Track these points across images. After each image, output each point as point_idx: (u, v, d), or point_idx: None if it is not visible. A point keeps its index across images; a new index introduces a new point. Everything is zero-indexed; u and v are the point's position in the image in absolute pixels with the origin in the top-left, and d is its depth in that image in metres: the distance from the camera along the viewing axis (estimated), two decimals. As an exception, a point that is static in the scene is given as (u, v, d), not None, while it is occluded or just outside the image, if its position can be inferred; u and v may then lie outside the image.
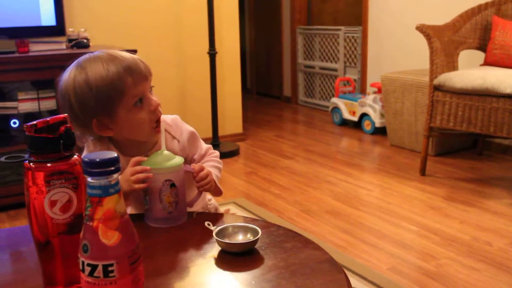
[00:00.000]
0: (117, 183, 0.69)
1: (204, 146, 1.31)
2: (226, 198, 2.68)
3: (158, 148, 1.14)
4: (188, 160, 1.24)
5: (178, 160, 1.09)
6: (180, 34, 3.56)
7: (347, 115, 4.22)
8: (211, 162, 1.27)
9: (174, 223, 1.08)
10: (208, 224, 1.04)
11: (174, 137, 1.22)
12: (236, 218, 1.20)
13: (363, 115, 4.05)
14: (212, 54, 3.41)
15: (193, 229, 1.09)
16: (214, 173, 1.22)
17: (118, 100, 1.06)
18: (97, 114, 1.08)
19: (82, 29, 2.90)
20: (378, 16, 4.28)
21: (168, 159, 1.09)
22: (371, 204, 2.57)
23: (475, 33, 3.17)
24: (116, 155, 0.69)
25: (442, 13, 3.42)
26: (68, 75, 1.09)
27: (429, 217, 2.40)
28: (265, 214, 2.42)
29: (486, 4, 3.17)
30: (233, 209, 2.49)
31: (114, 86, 1.05)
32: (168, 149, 1.12)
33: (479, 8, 3.17)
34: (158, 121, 1.13)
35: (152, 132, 1.12)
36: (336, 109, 4.36)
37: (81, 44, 2.84)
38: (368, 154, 3.53)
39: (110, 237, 0.67)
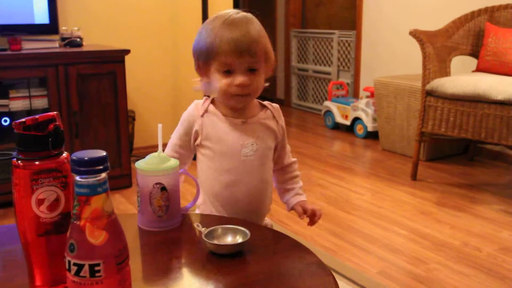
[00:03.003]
0: (105, 182, 0.68)
1: (288, 146, 1.37)
2: (217, 199, 2.67)
3: (248, 117, 1.21)
4: (277, 148, 1.29)
5: (172, 163, 1.08)
6: (175, 34, 3.56)
7: (339, 119, 4.23)
8: (298, 184, 1.37)
9: (164, 227, 1.07)
10: (198, 225, 1.03)
11: (274, 117, 1.27)
12: (226, 220, 1.19)
13: (356, 119, 4.06)
14: (206, 55, 3.41)
15: (183, 230, 1.09)
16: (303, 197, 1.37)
17: (211, 60, 1.17)
18: (199, 59, 1.21)
19: (76, 28, 2.89)
20: (372, 21, 4.29)
21: (162, 162, 1.08)
22: (362, 208, 2.57)
23: (467, 39, 3.18)
24: (105, 154, 0.69)
25: (436, 19, 3.43)
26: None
27: (420, 221, 2.40)
28: (255, 216, 2.42)
29: (479, 10, 3.19)
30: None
31: (214, 47, 1.15)
32: (266, 126, 1.23)
33: (472, 15, 3.18)
34: (237, 95, 1.17)
35: (230, 101, 1.18)
36: (328, 112, 4.36)
37: (74, 43, 2.83)
38: (360, 158, 3.53)
39: (97, 237, 0.67)
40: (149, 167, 1.06)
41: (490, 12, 3.18)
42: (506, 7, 3.14)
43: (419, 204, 2.62)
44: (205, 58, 1.18)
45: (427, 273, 1.92)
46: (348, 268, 1.94)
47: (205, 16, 3.34)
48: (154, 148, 3.44)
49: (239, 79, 1.14)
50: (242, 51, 1.13)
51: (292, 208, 1.34)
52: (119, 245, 0.69)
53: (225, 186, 1.20)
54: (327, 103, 4.38)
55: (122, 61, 2.78)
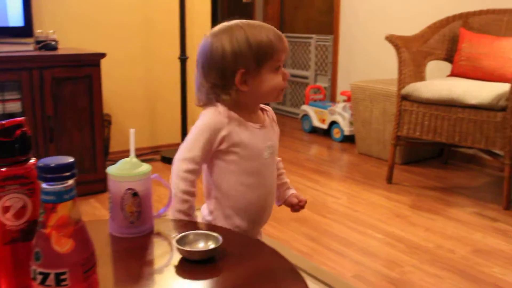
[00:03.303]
0: (72, 189, 0.68)
1: None
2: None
3: (261, 122, 1.26)
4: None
5: (144, 169, 1.07)
6: (151, 37, 3.54)
7: (317, 123, 4.25)
8: (287, 180, 1.46)
9: (136, 233, 1.07)
10: (169, 232, 1.03)
11: (273, 119, 1.32)
12: (199, 226, 1.19)
13: (333, 123, 4.08)
14: (183, 59, 3.40)
15: (155, 236, 1.08)
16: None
17: (267, 60, 1.18)
18: (245, 67, 1.17)
19: (51, 31, 2.86)
20: (348, 25, 4.33)
21: (134, 167, 1.07)
22: (337, 211, 2.59)
23: (442, 44, 3.23)
24: (72, 160, 0.68)
25: (411, 24, 3.48)
26: (219, 36, 1.21)
27: (395, 225, 2.42)
28: (232, 221, 2.42)
29: (454, 16, 3.23)
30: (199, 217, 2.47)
31: (272, 44, 1.18)
32: (273, 129, 1.29)
33: (447, 20, 3.23)
34: (283, 90, 1.24)
35: (277, 97, 1.23)
36: (306, 116, 4.38)
37: (49, 46, 2.79)
38: (336, 162, 3.55)
39: (63, 245, 0.66)
40: (121, 172, 1.05)
41: (465, 18, 3.23)
42: (480, 13, 3.20)
43: (394, 207, 2.64)
44: (259, 63, 1.18)
45: (402, 276, 1.94)
46: (323, 272, 1.95)
47: (182, 21, 3.32)
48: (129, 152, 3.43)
49: (286, 72, 1.23)
50: (287, 46, 1.22)
51: (286, 201, 1.42)
52: (86, 253, 0.69)
53: (249, 189, 1.23)
54: (305, 107, 4.40)
55: (98, 65, 2.76)
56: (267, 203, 1.29)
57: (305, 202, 1.42)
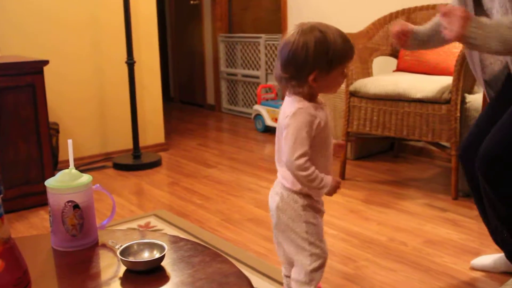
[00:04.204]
0: None
1: None
2: (146, 210, 2.62)
3: (321, 102, 1.44)
4: None
5: (85, 180, 1.04)
6: (98, 42, 3.46)
7: (269, 122, 4.26)
8: None
9: (79, 246, 1.04)
10: (112, 242, 1.00)
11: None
12: (144, 234, 1.17)
13: (285, 122, 4.09)
14: (130, 63, 3.35)
15: (99, 249, 1.05)
16: None
17: (340, 64, 1.38)
18: (319, 69, 1.35)
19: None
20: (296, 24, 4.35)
21: (73, 179, 1.04)
22: (292, 210, 2.59)
23: (387, 40, 3.28)
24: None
25: (356, 21, 3.52)
26: (303, 37, 1.36)
27: (349, 220, 2.45)
28: (186, 225, 2.39)
29: (397, 12, 3.30)
30: (154, 221, 2.44)
31: (345, 53, 1.38)
32: (326, 107, 1.45)
33: (391, 16, 3.29)
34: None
35: (332, 93, 1.47)
36: (258, 116, 4.39)
37: (-12, 55, 2.70)
38: (290, 160, 3.57)
39: (-8, 266, 0.63)
40: (60, 184, 1.02)
41: (407, 14, 3.29)
42: (422, 8, 3.27)
43: (347, 203, 2.67)
44: (331, 67, 1.36)
45: (356, 271, 1.96)
46: (279, 272, 1.94)
47: (127, 26, 3.27)
48: (81, 160, 3.35)
49: (347, 73, 1.47)
50: (354, 55, 1.42)
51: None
52: (18, 272, 0.66)
53: (327, 159, 1.47)
54: (257, 107, 4.41)
55: (41, 72, 2.68)
56: (332, 165, 1.52)
57: (343, 143, 1.61)
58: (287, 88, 1.42)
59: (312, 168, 1.38)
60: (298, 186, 1.47)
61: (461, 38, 1.45)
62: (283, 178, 1.52)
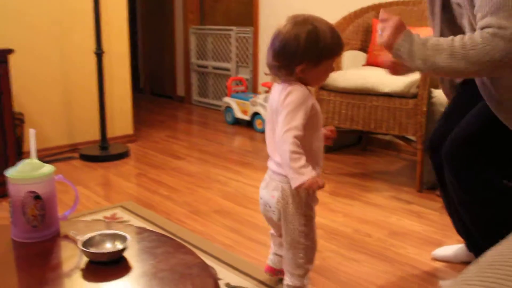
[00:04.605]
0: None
1: None
2: (113, 202, 2.60)
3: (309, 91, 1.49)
4: None
5: (46, 170, 1.03)
6: (66, 29, 3.40)
7: (239, 114, 4.26)
8: None
9: (40, 237, 1.02)
10: (74, 234, 1.00)
11: None
12: (108, 226, 1.16)
13: (255, 114, 4.11)
14: (99, 53, 3.30)
15: (60, 240, 1.04)
16: None
17: (328, 58, 1.43)
18: (308, 61, 1.41)
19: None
20: (267, 17, 4.36)
21: (34, 169, 1.02)
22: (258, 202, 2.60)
23: (357, 35, 3.31)
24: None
25: (327, 15, 3.53)
26: (296, 29, 1.40)
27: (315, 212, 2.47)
28: (153, 217, 2.38)
29: (367, 7, 3.33)
30: (120, 213, 2.42)
31: (335, 49, 1.43)
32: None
33: (361, 11, 3.32)
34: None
35: (316, 86, 1.61)
36: (228, 108, 4.38)
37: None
38: (259, 153, 3.58)
39: None
40: (20, 175, 1.00)
41: (377, 9, 3.33)
42: (391, 4, 3.31)
43: (315, 195, 2.69)
44: (319, 60, 1.41)
45: (321, 262, 1.98)
46: (245, 262, 1.96)
47: (97, 10, 3.22)
48: (48, 151, 3.30)
49: (334, 68, 1.51)
50: (343, 51, 1.50)
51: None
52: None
53: (321, 142, 1.53)
54: (227, 99, 4.40)
55: (5, 62, 2.62)
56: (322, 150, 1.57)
57: (333, 128, 1.65)
58: (278, 76, 1.47)
59: (302, 151, 1.39)
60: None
61: (389, 47, 1.49)
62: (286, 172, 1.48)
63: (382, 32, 1.49)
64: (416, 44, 1.44)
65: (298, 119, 1.40)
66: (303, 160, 1.37)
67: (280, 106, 1.43)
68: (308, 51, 1.39)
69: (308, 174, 1.37)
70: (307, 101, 1.42)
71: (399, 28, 1.47)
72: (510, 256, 0.65)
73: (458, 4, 1.58)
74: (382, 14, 1.52)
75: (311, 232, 1.56)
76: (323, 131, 1.60)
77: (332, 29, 1.42)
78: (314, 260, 1.62)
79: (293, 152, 1.37)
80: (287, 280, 1.60)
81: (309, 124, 1.44)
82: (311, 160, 1.45)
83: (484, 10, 1.35)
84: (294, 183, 1.40)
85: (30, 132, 1.07)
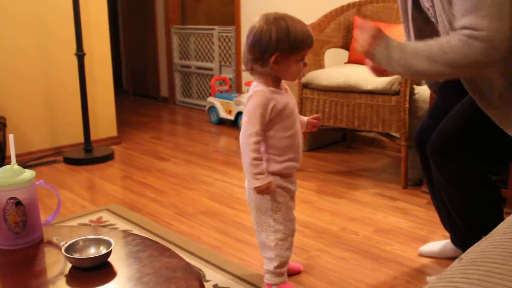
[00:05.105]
0: None
1: None
2: (98, 205, 2.58)
3: (284, 88, 1.59)
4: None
5: (27, 176, 1.02)
6: (47, 31, 3.37)
7: (223, 114, 4.25)
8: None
9: (23, 244, 1.01)
10: (57, 239, 0.98)
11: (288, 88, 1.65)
12: (92, 230, 1.15)
13: (239, 114, 4.10)
14: (80, 55, 3.27)
15: (44, 246, 1.03)
16: None
17: (299, 50, 1.51)
18: (281, 52, 1.49)
19: None
20: (249, 16, 4.35)
21: (15, 175, 1.01)
22: (245, 202, 2.60)
23: (339, 32, 3.32)
24: None
25: (308, 13, 3.55)
26: (269, 24, 1.50)
27: (302, 211, 2.47)
28: (139, 220, 2.37)
29: (348, 5, 3.34)
30: (106, 216, 2.40)
31: (305, 40, 1.50)
32: (289, 93, 1.60)
33: (342, 9, 3.33)
34: (299, 74, 1.67)
35: (294, 79, 1.59)
36: (212, 108, 4.37)
37: None
38: (244, 152, 3.57)
39: None
40: (1, 181, 0.99)
41: (358, 6, 3.34)
42: (372, 1, 3.32)
43: (300, 193, 2.70)
44: (291, 52, 1.49)
45: (309, 261, 1.98)
46: (232, 263, 1.95)
47: (76, 11, 3.18)
48: (31, 155, 3.26)
49: (306, 62, 1.57)
50: (313, 44, 1.54)
51: (306, 126, 1.76)
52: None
53: (292, 137, 1.59)
54: (211, 99, 4.39)
55: (-15, 65, 2.59)
56: (300, 145, 1.65)
57: (318, 116, 1.79)
58: (253, 69, 1.56)
59: (261, 156, 1.54)
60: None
61: (367, 54, 1.50)
62: (245, 172, 1.62)
63: (359, 40, 1.50)
64: (394, 50, 1.44)
65: (257, 124, 1.52)
66: (261, 167, 1.53)
67: (244, 108, 1.56)
68: (280, 43, 1.48)
69: (263, 181, 1.53)
70: (267, 104, 1.52)
71: (375, 36, 1.47)
72: (492, 253, 0.66)
73: (429, 8, 1.58)
74: (359, 22, 1.53)
75: (281, 217, 1.64)
76: (306, 119, 1.74)
77: (302, 24, 1.52)
78: (289, 248, 1.69)
79: (254, 158, 1.52)
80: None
81: (274, 124, 1.56)
82: (293, 154, 1.62)
83: (462, 9, 1.35)
84: (250, 185, 1.58)
85: (9, 138, 1.06)
